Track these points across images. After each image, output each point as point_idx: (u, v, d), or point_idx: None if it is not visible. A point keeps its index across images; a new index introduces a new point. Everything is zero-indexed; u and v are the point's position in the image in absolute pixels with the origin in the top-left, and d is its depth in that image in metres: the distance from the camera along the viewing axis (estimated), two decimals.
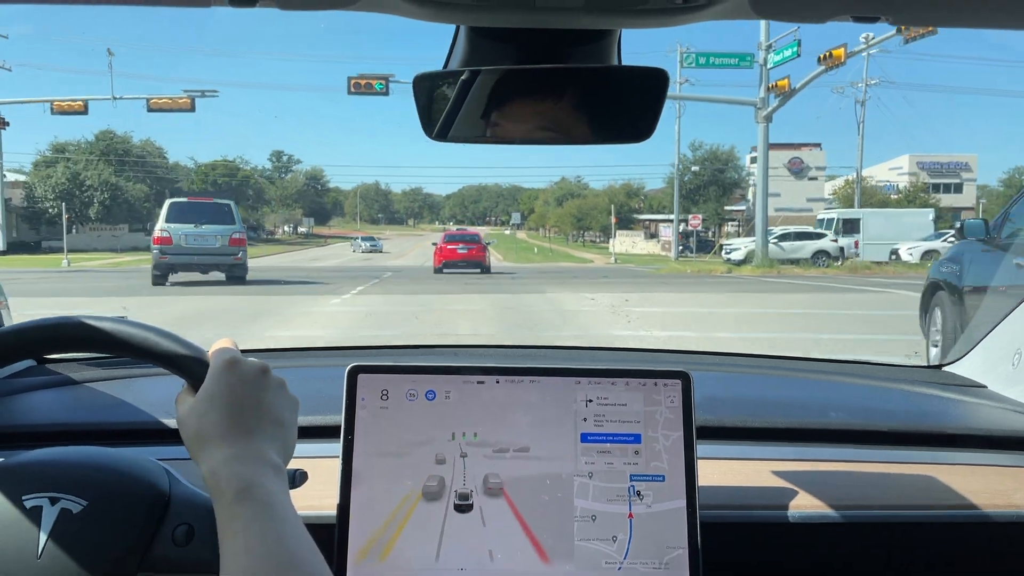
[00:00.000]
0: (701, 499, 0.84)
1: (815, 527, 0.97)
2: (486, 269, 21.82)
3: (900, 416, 1.26)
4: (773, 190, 33.15)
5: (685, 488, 0.83)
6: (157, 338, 0.75)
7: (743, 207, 47.08)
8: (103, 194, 43.76)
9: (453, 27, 0.84)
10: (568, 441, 0.84)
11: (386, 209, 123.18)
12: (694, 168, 48.54)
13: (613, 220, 44.19)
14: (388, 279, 19.71)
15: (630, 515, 0.82)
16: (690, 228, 39.02)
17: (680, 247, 36.46)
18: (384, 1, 0.71)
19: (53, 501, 0.72)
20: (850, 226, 30.02)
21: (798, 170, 48.76)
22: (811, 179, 49.68)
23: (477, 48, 0.83)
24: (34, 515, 0.71)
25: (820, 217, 33.60)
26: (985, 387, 1.42)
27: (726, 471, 1.05)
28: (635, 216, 57.39)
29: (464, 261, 21.71)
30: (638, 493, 0.82)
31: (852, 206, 38.08)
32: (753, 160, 37.99)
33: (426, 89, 0.86)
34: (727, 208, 49.33)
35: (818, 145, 51.20)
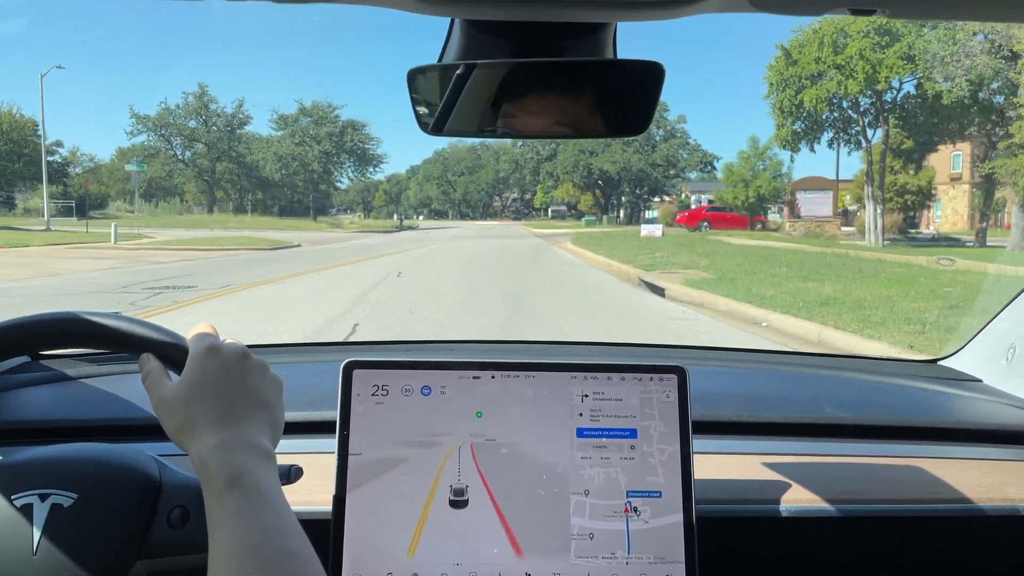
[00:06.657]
0: (697, 492, 0.84)
1: (809, 521, 0.97)
2: None
3: (895, 410, 1.26)
4: None
5: (682, 502, 0.83)
6: (133, 327, 0.75)
7: None
8: None
9: (448, 20, 0.84)
10: (564, 436, 0.84)
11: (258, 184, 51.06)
12: None
13: None
14: None
15: (627, 531, 0.82)
16: None
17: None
18: None
19: (43, 497, 0.72)
20: None
21: None
22: None
23: (472, 42, 0.83)
24: (26, 513, 0.71)
25: None
26: (980, 381, 1.42)
27: (721, 465, 1.05)
28: None
29: None
30: (635, 509, 0.82)
31: None
32: None
33: (421, 83, 0.85)
34: None
35: None
